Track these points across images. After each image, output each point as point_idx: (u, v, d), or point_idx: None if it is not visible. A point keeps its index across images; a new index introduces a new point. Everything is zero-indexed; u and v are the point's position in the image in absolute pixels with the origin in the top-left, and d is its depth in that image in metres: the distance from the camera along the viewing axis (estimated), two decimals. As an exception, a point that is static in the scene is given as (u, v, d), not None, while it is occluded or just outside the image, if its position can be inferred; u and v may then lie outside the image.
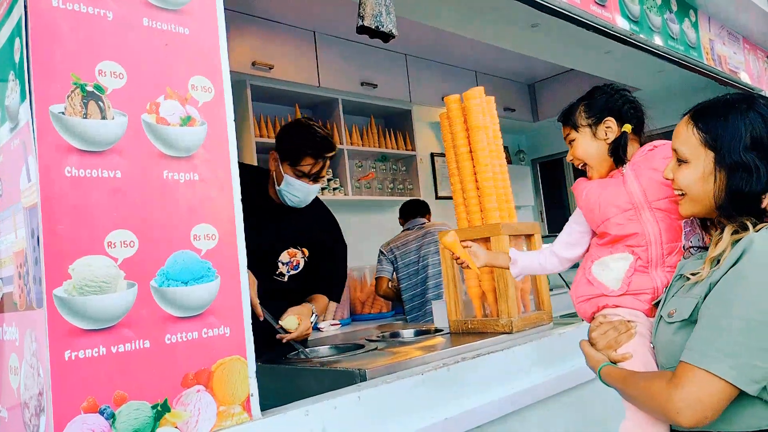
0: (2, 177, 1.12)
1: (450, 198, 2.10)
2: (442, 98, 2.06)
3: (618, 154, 1.35)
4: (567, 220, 1.55)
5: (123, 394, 0.97)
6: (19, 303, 1.05)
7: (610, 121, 1.36)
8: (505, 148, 5.13)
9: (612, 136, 1.36)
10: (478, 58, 4.29)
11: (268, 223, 2.00)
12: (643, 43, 2.81)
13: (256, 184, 2.02)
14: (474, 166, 1.95)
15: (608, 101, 1.39)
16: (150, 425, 0.99)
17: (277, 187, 1.99)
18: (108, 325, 0.97)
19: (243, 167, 2.10)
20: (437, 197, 4.62)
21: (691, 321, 1.03)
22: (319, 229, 2.13)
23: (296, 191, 1.96)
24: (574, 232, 1.48)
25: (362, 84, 3.76)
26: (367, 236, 4.09)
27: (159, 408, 1.00)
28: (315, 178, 1.97)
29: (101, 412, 0.95)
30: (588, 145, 1.39)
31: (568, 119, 1.43)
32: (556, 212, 5.58)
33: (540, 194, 5.63)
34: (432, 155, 4.64)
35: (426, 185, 4.46)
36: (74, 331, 0.94)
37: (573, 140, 1.41)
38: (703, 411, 0.95)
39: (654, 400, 1.02)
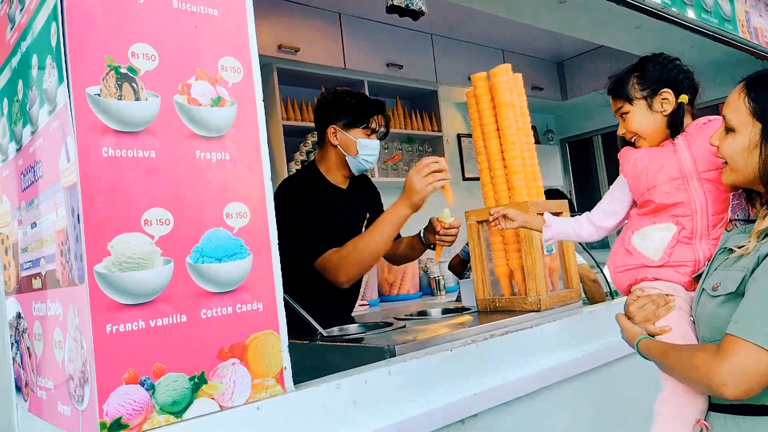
0: (42, 158, 1.16)
1: (477, 179, 2.09)
2: (469, 78, 2.05)
3: (677, 125, 1.32)
4: (596, 201, 1.54)
5: (162, 367, 1.01)
6: (61, 280, 1.09)
7: (667, 93, 1.33)
8: (533, 127, 5.05)
9: (669, 108, 1.33)
10: (505, 36, 4.23)
11: (346, 208, 2.08)
12: (675, 17, 2.74)
13: (316, 181, 2.07)
14: (501, 145, 1.94)
15: (663, 72, 1.35)
16: (188, 396, 1.03)
17: (350, 157, 2.02)
18: (146, 300, 1.01)
19: (293, 181, 2.15)
20: (464, 178, 4.60)
21: (738, 294, 1.03)
22: (377, 199, 2.27)
23: (373, 150, 2.02)
24: (615, 200, 1.46)
25: (388, 65, 3.75)
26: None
27: (196, 380, 1.04)
28: (379, 133, 2.06)
29: (141, 383, 0.99)
30: (644, 117, 1.35)
31: (619, 92, 1.38)
32: (585, 192, 5.51)
33: (569, 174, 5.56)
34: (458, 136, 4.62)
35: (453, 166, 4.44)
36: (114, 305, 0.98)
37: (626, 113, 1.37)
38: (749, 383, 0.95)
39: (698, 371, 1.02)
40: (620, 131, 1.41)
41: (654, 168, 1.32)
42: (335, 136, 2.03)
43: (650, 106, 1.34)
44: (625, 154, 1.40)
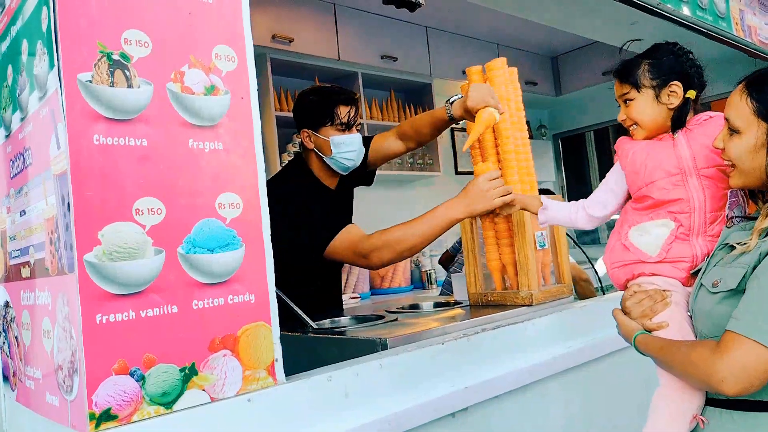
0: (31, 145, 1.14)
1: (470, 173, 2.09)
2: (463, 71, 2.04)
3: (680, 120, 1.29)
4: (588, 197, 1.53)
5: (152, 357, 1.00)
6: (50, 269, 1.07)
7: (676, 86, 1.30)
8: (527, 123, 5.09)
9: (675, 102, 1.30)
10: (500, 30, 4.22)
11: (334, 210, 1.99)
12: (670, 14, 2.75)
13: (305, 181, 1.98)
14: (495, 139, 1.93)
15: (676, 63, 1.31)
16: (178, 387, 1.02)
17: (327, 158, 1.91)
18: (137, 290, 0.99)
19: (287, 176, 2.04)
20: (457, 172, 4.60)
21: (738, 291, 1.03)
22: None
23: (350, 146, 1.89)
24: (609, 191, 1.44)
25: (382, 57, 3.73)
26: (387, 211, 4.10)
27: (187, 371, 1.03)
28: (355, 124, 1.92)
29: (131, 374, 0.98)
30: (648, 107, 1.31)
31: (627, 76, 1.33)
32: (577, 188, 5.53)
33: (561, 170, 5.57)
34: (452, 130, 4.61)
35: (446, 160, 4.44)
36: (105, 295, 0.97)
37: (631, 100, 1.33)
38: (748, 380, 0.96)
39: (696, 367, 1.02)
40: (620, 117, 1.37)
41: (652, 163, 1.30)
42: (309, 139, 1.93)
43: (657, 97, 1.31)
44: (622, 146, 1.38)
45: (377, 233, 1.79)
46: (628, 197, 1.40)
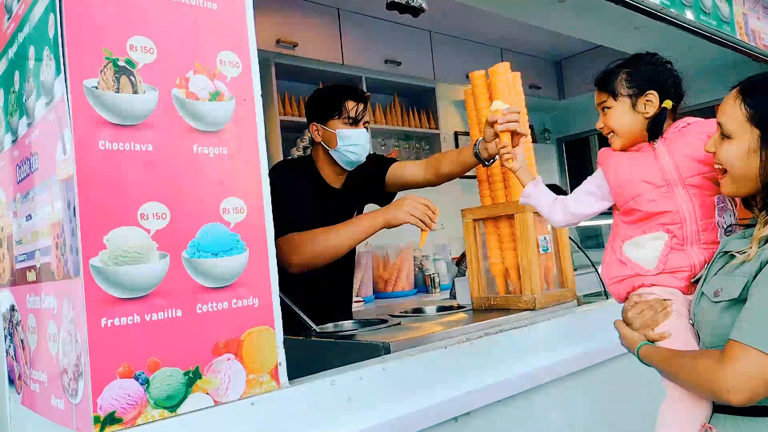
0: (38, 150, 1.16)
1: (473, 177, 2.10)
2: (467, 76, 2.04)
3: (656, 130, 1.30)
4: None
5: (156, 361, 1.01)
6: (56, 273, 1.08)
7: (652, 95, 1.31)
8: (531, 126, 5.06)
9: (651, 111, 1.31)
10: (504, 34, 4.23)
11: (330, 207, 2.01)
12: (674, 18, 2.75)
13: (306, 170, 2.04)
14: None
15: (653, 73, 1.32)
16: (182, 391, 1.03)
17: (333, 151, 1.96)
18: (142, 294, 1.00)
19: (288, 163, 2.09)
20: (460, 177, 4.60)
21: (740, 300, 1.03)
22: (367, 177, 2.10)
23: (355, 140, 1.94)
24: (592, 195, 1.42)
25: (386, 61, 3.74)
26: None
27: (191, 375, 1.04)
28: (362, 120, 1.97)
29: (136, 378, 0.98)
30: (624, 116, 1.33)
31: (606, 85, 1.35)
32: (581, 192, 5.50)
33: (565, 174, 5.56)
34: (456, 134, 4.61)
35: (449, 164, 4.44)
36: (110, 299, 0.97)
37: (608, 108, 1.35)
38: (754, 389, 0.96)
39: (702, 378, 1.02)
40: (598, 125, 1.39)
41: (636, 176, 1.30)
42: (318, 132, 1.99)
43: (633, 106, 1.32)
44: (605, 161, 1.38)
45: (298, 233, 1.84)
46: (612, 207, 1.40)
